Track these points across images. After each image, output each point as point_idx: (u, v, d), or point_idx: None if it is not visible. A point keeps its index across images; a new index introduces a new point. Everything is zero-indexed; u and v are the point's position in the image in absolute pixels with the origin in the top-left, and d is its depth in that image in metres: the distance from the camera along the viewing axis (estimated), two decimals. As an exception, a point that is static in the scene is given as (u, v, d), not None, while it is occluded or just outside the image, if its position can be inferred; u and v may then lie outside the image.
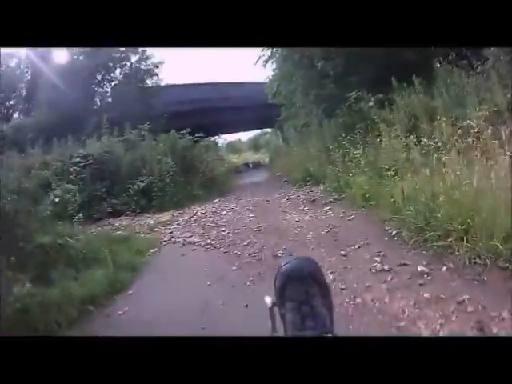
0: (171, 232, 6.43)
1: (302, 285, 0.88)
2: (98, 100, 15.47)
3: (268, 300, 1.01)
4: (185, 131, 10.95)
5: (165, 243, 5.86)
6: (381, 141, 5.96)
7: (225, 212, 7.34)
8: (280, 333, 0.94)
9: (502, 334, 1.65)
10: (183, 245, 5.61)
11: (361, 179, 5.78)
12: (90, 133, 11.15)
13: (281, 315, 0.92)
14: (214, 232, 5.97)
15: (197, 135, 11.22)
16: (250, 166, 30.51)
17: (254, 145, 49.53)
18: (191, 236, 5.95)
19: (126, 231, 6.40)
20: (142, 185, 8.77)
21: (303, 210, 6.36)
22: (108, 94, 15.65)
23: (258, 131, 51.58)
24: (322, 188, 7.44)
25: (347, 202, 6.03)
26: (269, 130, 40.25)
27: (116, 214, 8.24)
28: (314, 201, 6.88)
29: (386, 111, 6.40)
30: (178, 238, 5.97)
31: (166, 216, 7.72)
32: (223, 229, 6.09)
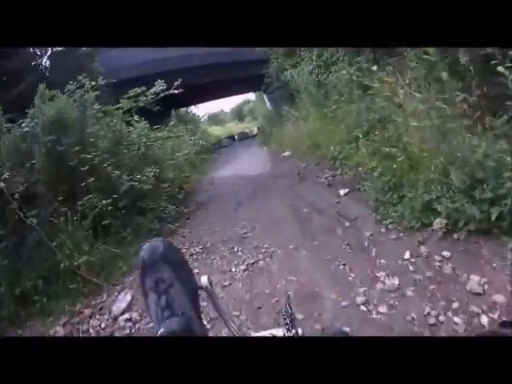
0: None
1: (157, 271, 0.78)
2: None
3: (204, 279, 0.87)
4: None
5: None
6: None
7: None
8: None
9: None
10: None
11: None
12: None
13: (146, 307, 0.81)
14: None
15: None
16: (236, 138, 27.56)
17: (238, 114, 46.71)
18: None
19: None
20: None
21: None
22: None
23: (240, 99, 48.66)
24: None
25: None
26: (251, 97, 38.04)
27: None
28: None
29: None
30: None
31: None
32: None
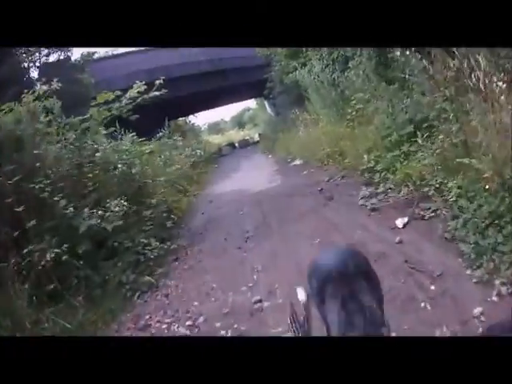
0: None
1: (347, 281, 0.72)
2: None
3: (301, 293, 0.89)
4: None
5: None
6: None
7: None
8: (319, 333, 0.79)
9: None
10: None
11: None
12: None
13: (321, 315, 0.76)
14: None
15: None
16: (236, 145, 26.32)
17: (238, 122, 46.58)
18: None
19: None
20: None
21: None
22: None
23: (240, 107, 48.48)
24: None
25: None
26: (251, 105, 37.25)
27: None
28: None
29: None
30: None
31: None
32: None
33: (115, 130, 6.05)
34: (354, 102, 5.71)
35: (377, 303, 0.74)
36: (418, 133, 3.61)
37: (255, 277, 2.93)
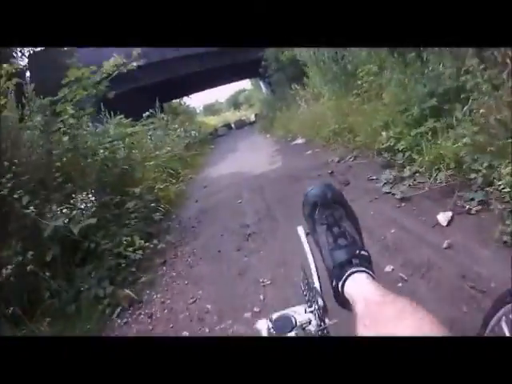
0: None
1: (329, 208, 0.87)
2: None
3: (301, 231, 1.03)
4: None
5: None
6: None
7: None
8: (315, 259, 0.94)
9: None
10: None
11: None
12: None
13: (315, 241, 0.88)
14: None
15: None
16: (233, 126, 25.47)
17: (234, 103, 45.45)
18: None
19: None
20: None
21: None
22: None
23: (235, 89, 47.61)
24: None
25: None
26: (246, 86, 36.19)
27: None
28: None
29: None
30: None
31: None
32: None
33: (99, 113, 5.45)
34: (361, 73, 5.04)
35: (355, 228, 0.86)
36: (458, 105, 2.98)
37: (261, 296, 2.27)
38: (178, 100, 22.91)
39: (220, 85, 27.49)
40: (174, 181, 6.31)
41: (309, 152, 6.03)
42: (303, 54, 7.61)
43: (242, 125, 24.44)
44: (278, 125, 10.68)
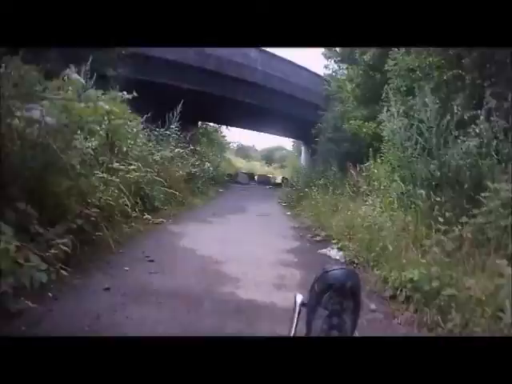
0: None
1: (341, 296, 0.86)
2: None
3: (299, 298, 0.99)
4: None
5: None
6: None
7: None
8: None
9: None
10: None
11: None
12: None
13: (307, 319, 0.90)
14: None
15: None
16: (256, 178, 23.52)
17: (267, 157, 43.89)
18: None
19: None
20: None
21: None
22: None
23: (274, 144, 46.21)
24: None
25: None
26: (286, 144, 34.70)
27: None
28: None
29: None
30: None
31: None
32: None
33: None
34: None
35: (353, 322, 0.87)
36: None
37: None
38: (216, 125, 20.60)
39: (265, 131, 25.76)
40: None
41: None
42: (386, 126, 4.94)
43: (265, 182, 22.50)
44: (304, 207, 8.34)
